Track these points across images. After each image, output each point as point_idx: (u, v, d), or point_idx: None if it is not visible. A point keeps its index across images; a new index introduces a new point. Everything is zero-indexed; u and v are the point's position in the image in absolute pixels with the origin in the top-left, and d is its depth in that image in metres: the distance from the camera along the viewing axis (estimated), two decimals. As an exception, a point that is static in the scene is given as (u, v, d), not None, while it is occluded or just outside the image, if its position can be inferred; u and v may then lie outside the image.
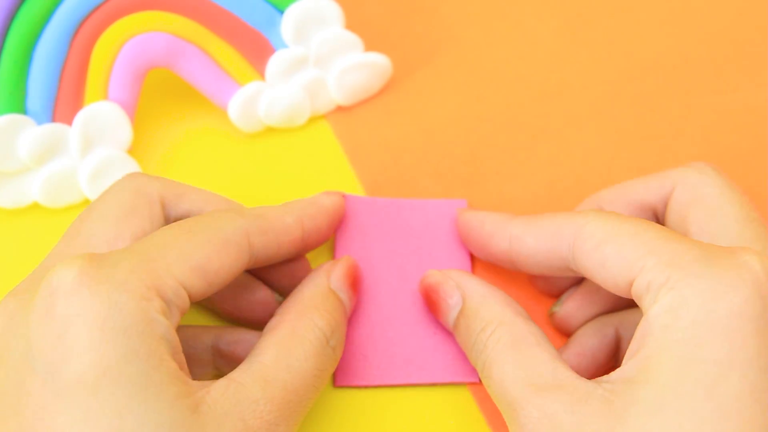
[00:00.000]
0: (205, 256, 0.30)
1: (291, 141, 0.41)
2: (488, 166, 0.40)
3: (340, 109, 0.42)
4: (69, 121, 0.38)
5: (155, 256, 0.29)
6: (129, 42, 0.39)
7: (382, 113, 0.42)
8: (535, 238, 0.32)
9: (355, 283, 0.35)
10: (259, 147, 0.41)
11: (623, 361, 0.28)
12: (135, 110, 0.40)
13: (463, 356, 0.35)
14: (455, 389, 0.35)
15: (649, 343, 0.27)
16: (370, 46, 0.41)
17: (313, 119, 0.42)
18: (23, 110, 0.38)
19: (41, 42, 0.38)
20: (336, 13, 0.40)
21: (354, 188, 0.40)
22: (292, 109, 0.40)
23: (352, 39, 0.40)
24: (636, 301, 0.29)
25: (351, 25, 0.40)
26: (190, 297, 0.29)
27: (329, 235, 0.36)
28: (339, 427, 0.34)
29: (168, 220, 0.33)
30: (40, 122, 0.38)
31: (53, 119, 0.38)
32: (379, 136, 0.41)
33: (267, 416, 0.28)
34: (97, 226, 0.31)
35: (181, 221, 0.31)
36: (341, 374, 0.35)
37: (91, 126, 0.39)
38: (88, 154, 0.39)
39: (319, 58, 0.40)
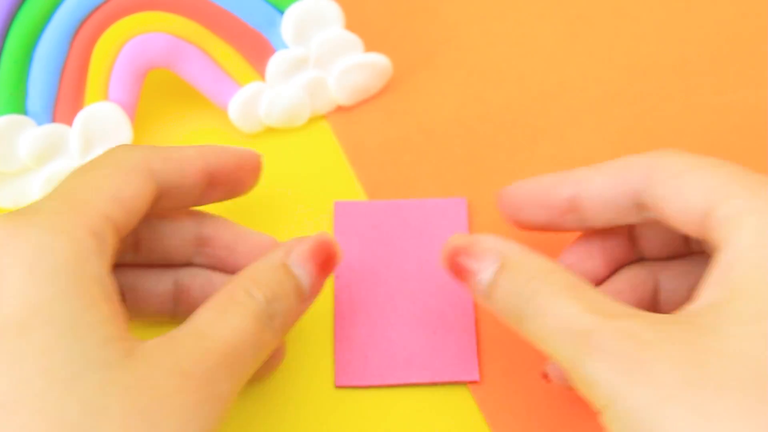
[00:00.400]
0: (116, 186, 0.30)
1: (291, 141, 0.41)
2: (488, 166, 0.40)
3: (340, 110, 0.42)
4: (69, 121, 0.39)
5: (76, 194, 0.29)
6: (129, 42, 0.39)
7: (382, 113, 0.42)
8: (604, 175, 0.31)
9: (323, 261, 0.32)
10: (259, 147, 0.41)
11: (698, 294, 0.27)
12: (135, 111, 0.40)
13: (463, 355, 0.35)
14: (455, 389, 0.35)
15: (737, 267, 0.26)
16: (370, 46, 0.41)
17: (313, 119, 0.42)
18: (23, 111, 0.38)
19: (41, 42, 0.38)
20: (336, 13, 0.40)
21: (354, 188, 0.40)
22: (292, 110, 0.41)
23: (352, 39, 0.40)
24: (711, 232, 0.28)
25: (351, 25, 0.40)
26: (116, 230, 0.29)
27: (245, 180, 0.35)
28: (339, 427, 0.34)
29: (157, 185, 0.32)
30: (40, 123, 0.38)
31: (53, 120, 0.38)
32: (379, 137, 0.41)
33: (205, 364, 0.28)
34: (72, 182, 0.31)
35: (88, 160, 0.32)
36: (342, 375, 0.35)
37: (91, 126, 0.39)
38: (88, 154, 0.39)
39: (319, 59, 0.40)
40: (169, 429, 0.26)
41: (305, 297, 0.32)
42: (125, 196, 0.30)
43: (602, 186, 0.31)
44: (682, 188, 0.29)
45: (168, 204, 0.32)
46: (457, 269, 0.31)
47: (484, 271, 0.30)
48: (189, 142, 0.41)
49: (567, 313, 0.28)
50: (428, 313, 0.36)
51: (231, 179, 0.34)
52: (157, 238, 0.34)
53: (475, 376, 0.34)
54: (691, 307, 0.27)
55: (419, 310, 0.36)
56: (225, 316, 0.29)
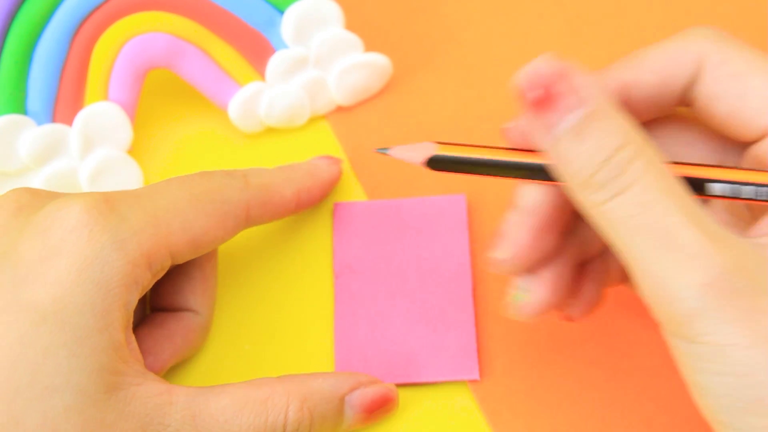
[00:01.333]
0: (203, 229, 0.30)
1: (291, 141, 0.41)
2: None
3: (340, 110, 0.42)
4: (69, 121, 0.39)
5: (161, 220, 0.30)
6: (129, 42, 0.39)
7: (383, 113, 0.42)
8: (651, 73, 0.28)
9: (375, 411, 0.33)
10: (259, 147, 0.41)
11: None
12: (135, 111, 0.40)
13: (463, 354, 0.35)
14: (455, 388, 0.35)
15: None
16: (370, 46, 0.41)
17: (313, 119, 0.42)
18: (23, 111, 0.38)
19: (41, 42, 0.38)
20: (336, 13, 0.40)
21: (354, 188, 0.40)
22: (292, 110, 0.41)
23: (352, 39, 0.40)
24: None
25: (351, 25, 0.40)
26: (173, 262, 0.30)
27: (321, 200, 0.38)
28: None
29: (248, 224, 0.34)
30: (40, 123, 0.38)
31: (53, 120, 0.38)
32: (379, 136, 0.41)
33: None
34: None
35: (188, 181, 0.31)
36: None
37: (91, 126, 0.39)
38: (88, 154, 0.39)
39: (319, 59, 0.40)
40: None
41: (338, 431, 0.32)
42: (205, 240, 0.31)
43: (650, 85, 0.28)
44: (745, 93, 0.26)
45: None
46: (543, 102, 0.26)
47: (568, 115, 0.25)
48: (189, 142, 0.41)
49: (672, 221, 0.24)
50: (428, 311, 0.36)
51: (312, 205, 0.37)
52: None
53: (475, 375, 0.34)
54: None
55: (419, 308, 0.36)
56: (236, 418, 0.29)
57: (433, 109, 0.42)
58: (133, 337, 0.29)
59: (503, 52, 0.44)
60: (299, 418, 0.30)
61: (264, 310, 0.37)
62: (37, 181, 0.39)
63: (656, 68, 0.28)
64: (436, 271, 0.36)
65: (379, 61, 0.41)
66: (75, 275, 0.27)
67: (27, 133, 0.38)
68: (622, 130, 0.25)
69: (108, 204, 0.29)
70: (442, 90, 0.42)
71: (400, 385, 0.35)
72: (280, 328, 0.36)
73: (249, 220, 0.33)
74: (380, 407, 0.33)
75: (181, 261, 0.31)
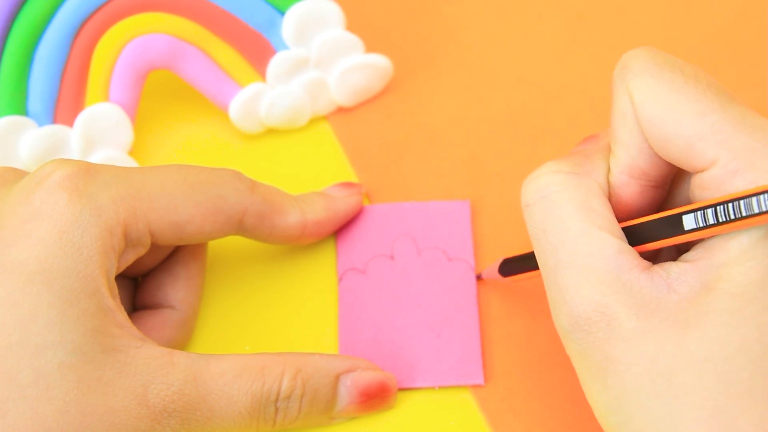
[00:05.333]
0: (189, 216, 0.30)
1: (292, 142, 0.41)
2: (489, 167, 0.40)
3: (340, 110, 0.42)
4: (70, 122, 0.39)
5: (144, 194, 0.30)
6: (130, 43, 0.39)
7: (383, 114, 0.42)
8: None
9: (371, 398, 0.33)
10: (260, 148, 0.41)
11: (691, 254, 0.26)
12: (136, 112, 0.40)
13: (468, 359, 0.35)
14: (456, 391, 0.35)
15: (729, 249, 0.25)
16: (370, 47, 0.41)
17: (313, 120, 0.42)
18: (24, 112, 0.38)
19: (42, 44, 0.38)
20: (337, 14, 0.40)
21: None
22: (293, 111, 0.40)
23: (353, 40, 0.40)
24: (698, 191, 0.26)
25: (352, 26, 0.40)
26: (155, 243, 0.30)
27: (332, 233, 0.37)
28: (340, 427, 0.34)
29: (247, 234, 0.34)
30: (41, 124, 0.38)
31: (54, 121, 0.38)
32: (380, 137, 0.41)
33: (170, 405, 0.28)
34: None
35: (187, 169, 0.32)
36: None
37: (92, 127, 0.39)
38: (89, 155, 0.39)
39: (319, 60, 0.40)
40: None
41: (330, 416, 0.32)
42: (190, 230, 0.31)
43: (647, 157, 0.29)
44: (678, 130, 0.27)
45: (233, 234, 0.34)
46: None
47: None
48: (190, 143, 0.41)
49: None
50: (432, 316, 0.36)
51: (324, 235, 0.36)
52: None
53: (480, 380, 0.35)
54: (686, 280, 0.26)
55: (423, 313, 0.36)
56: (234, 379, 0.29)
57: (434, 109, 0.42)
58: (123, 309, 0.29)
59: (503, 53, 0.44)
60: (292, 386, 0.30)
61: (267, 313, 0.37)
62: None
63: (629, 142, 0.29)
64: (441, 276, 0.36)
65: (380, 61, 0.41)
66: (56, 237, 0.28)
67: (28, 135, 0.38)
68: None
69: (90, 172, 0.29)
70: (443, 91, 0.42)
71: (402, 389, 0.35)
72: (283, 330, 0.36)
73: (242, 226, 0.33)
74: (376, 395, 0.33)
75: (162, 243, 0.31)
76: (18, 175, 0.31)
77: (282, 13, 0.39)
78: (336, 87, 0.41)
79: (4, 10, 0.37)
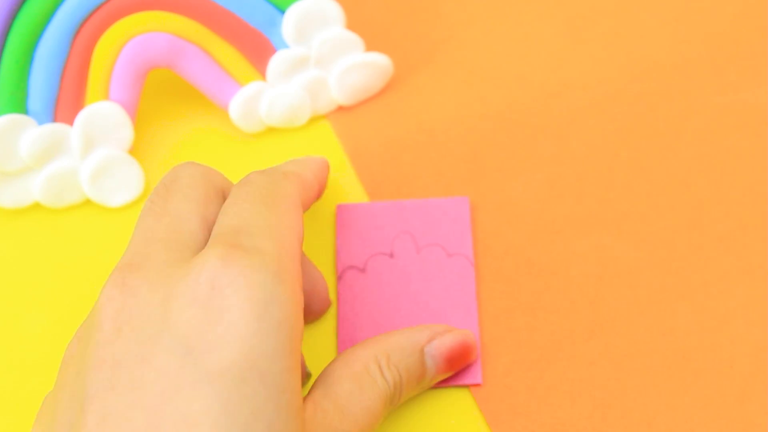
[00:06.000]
0: (299, 226, 0.30)
1: (292, 141, 0.41)
2: (489, 165, 0.40)
3: (341, 109, 0.42)
4: (70, 121, 0.39)
5: (282, 237, 0.28)
6: (130, 42, 0.39)
7: (384, 113, 0.42)
8: None
9: (456, 360, 0.34)
10: (260, 147, 0.41)
11: None
12: (136, 110, 0.40)
13: None
14: (455, 390, 0.35)
15: None
16: (371, 45, 0.41)
17: (314, 119, 0.42)
18: (24, 110, 0.38)
19: (42, 42, 0.38)
20: (337, 12, 0.40)
21: (355, 188, 0.40)
22: (293, 109, 0.41)
23: (353, 39, 0.40)
24: None
25: (352, 24, 0.40)
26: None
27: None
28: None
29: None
30: (41, 122, 0.38)
31: (54, 119, 0.38)
32: (381, 136, 0.41)
33: None
34: (184, 206, 0.30)
35: (257, 193, 0.30)
36: None
37: (92, 126, 0.39)
38: (89, 154, 0.39)
39: (320, 58, 0.40)
40: None
41: (423, 385, 0.33)
42: (301, 236, 0.30)
43: None
44: None
45: None
46: None
47: None
48: (190, 141, 0.41)
49: None
50: (431, 315, 0.36)
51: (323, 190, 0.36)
52: None
53: (478, 379, 0.34)
54: None
55: (423, 311, 0.36)
56: (362, 393, 0.30)
57: (434, 108, 0.42)
58: None
59: (503, 52, 0.44)
60: (392, 375, 0.31)
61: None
62: (38, 181, 0.39)
63: None
64: (440, 273, 0.36)
65: (380, 60, 0.41)
66: (255, 326, 0.25)
67: (28, 133, 0.38)
68: None
69: (237, 247, 0.27)
70: (443, 89, 0.42)
71: None
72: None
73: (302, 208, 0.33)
74: (460, 355, 0.33)
75: None
76: (139, 258, 0.28)
77: (282, 11, 0.39)
78: (336, 86, 0.41)
79: (4, 9, 0.37)
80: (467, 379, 0.34)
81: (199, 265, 0.27)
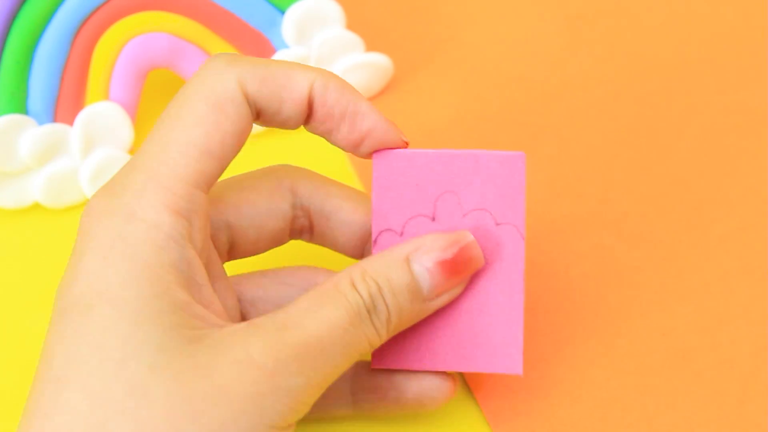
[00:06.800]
0: (206, 134, 0.28)
1: (292, 141, 0.41)
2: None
3: (340, 109, 0.42)
4: (70, 121, 0.39)
5: (163, 160, 0.28)
6: (130, 42, 0.39)
7: (384, 113, 0.41)
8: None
9: (453, 263, 0.30)
10: (260, 147, 0.41)
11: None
12: (136, 110, 0.40)
13: (507, 345, 0.32)
14: (457, 390, 0.35)
15: None
16: (371, 46, 0.41)
17: (314, 119, 0.42)
18: (24, 110, 0.38)
19: (42, 42, 0.38)
20: (337, 13, 0.40)
21: (355, 187, 0.40)
22: (293, 109, 0.41)
23: (353, 39, 0.40)
24: None
25: (352, 25, 0.40)
26: (207, 184, 0.28)
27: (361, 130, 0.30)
28: (339, 426, 0.34)
29: (256, 105, 0.29)
30: (41, 122, 0.38)
31: (54, 119, 0.38)
32: (380, 136, 0.41)
33: (276, 356, 0.26)
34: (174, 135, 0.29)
35: (180, 93, 0.29)
36: (378, 356, 0.32)
37: (92, 126, 0.39)
38: (89, 154, 0.39)
39: (320, 58, 0.40)
40: (218, 417, 0.26)
41: (423, 298, 0.30)
42: (216, 144, 0.28)
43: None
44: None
45: (266, 125, 0.30)
46: None
47: None
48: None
49: None
50: (474, 294, 0.32)
51: (336, 124, 0.30)
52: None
53: (518, 369, 0.31)
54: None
55: (465, 289, 0.32)
56: (318, 307, 0.28)
57: (434, 109, 0.42)
58: (206, 291, 0.28)
59: (503, 52, 0.44)
60: (366, 287, 0.29)
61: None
62: (38, 180, 0.39)
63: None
64: (487, 244, 0.32)
65: (380, 61, 0.41)
66: (102, 262, 0.27)
67: (28, 133, 0.38)
68: None
69: (106, 191, 0.28)
70: (443, 90, 0.42)
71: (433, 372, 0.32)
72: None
73: (251, 100, 0.29)
74: (458, 256, 0.30)
75: (214, 176, 0.29)
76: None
77: (282, 11, 0.39)
78: (336, 86, 0.41)
79: (4, 9, 0.37)
80: (507, 367, 0.31)
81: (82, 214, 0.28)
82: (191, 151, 0.28)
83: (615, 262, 0.37)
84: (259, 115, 0.30)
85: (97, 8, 0.38)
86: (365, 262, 0.29)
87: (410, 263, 0.29)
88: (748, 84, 0.42)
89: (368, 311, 0.28)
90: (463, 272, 0.30)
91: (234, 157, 0.29)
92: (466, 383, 0.35)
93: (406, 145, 0.31)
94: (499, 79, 0.43)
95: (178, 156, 0.28)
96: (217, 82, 0.28)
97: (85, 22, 0.38)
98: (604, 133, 0.41)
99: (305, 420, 0.30)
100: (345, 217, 0.33)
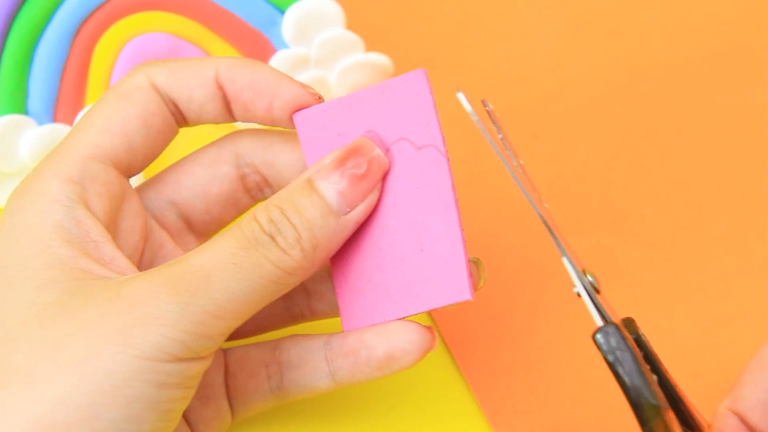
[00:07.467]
0: (106, 116, 0.30)
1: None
2: (489, 165, 0.40)
3: (340, 109, 0.42)
4: (70, 121, 0.39)
5: (60, 144, 0.30)
6: (130, 42, 0.39)
7: (383, 113, 0.42)
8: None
9: (356, 170, 0.29)
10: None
11: None
12: (136, 110, 0.40)
13: (453, 271, 0.30)
14: (455, 387, 0.35)
15: None
16: (371, 46, 0.41)
17: (313, 119, 0.42)
18: (24, 111, 0.38)
19: (42, 42, 0.38)
20: (337, 13, 0.40)
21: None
22: (293, 110, 0.41)
23: (353, 39, 0.40)
24: None
25: (352, 25, 0.40)
26: (108, 156, 0.30)
27: (267, 103, 0.31)
28: (340, 425, 0.34)
29: (166, 100, 0.31)
30: (41, 122, 0.38)
31: (54, 119, 0.38)
32: (380, 136, 0.41)
33: (147, 285, 0.26)
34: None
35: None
36: (346, 319, 0.31)
37: (92, 126, 0.39)
38: (89, 154, 0.39)
39: (320, 59, 0.40)
40: (77, 350, 0.26)
41: (337, 212, 0.29)
42: (116, 123, 0.30)
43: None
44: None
45: (194, 119, 0.32)
46: None
47: None
48: (189, 141, 0.41)
49: None
50: (411, 227, 0.30)
51: (248, 96, 0.31)
52: None
53: (467, 294, 0.29)
54: None
55: (404, 225, 0.31)
56: (209, 243, 0.28)
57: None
58: (105, 248, 0.28)
59: (503, 52, 0.44)
60: (266, 210, 0.28)
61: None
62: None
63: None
64: (413, 173, 0.31)
65: (380, 61, 0.41)
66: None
67: (28, 133, 0.38)
68: None
69: (23, 181, 0.30)
70: (443, 90, 0.42)
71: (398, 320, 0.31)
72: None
73: (162, 90, 0.30)
74: (355, 160, 0.29)
75: (127, 151, 0.30)
76: None
77: (282, 11, 0.39)
78: (336, 86, 0.41)
79: (4, 9, 0.37)
80: (455, 296, 0.30)
81: None
82: (90, 130, 0.30)
83: (615, 262, 0.37)
84: (176, 106, 0.31)
85: (97, 8, 0.38)
86: (272, 196, 0.29)
87: (313, 182, 0.29)
88: (747, 84, 0.42)
89: (270, 235, 0.28)
90: (369, 175, 0.30)
91: (145, 136, 0.30)
92: (467, 383, 0.35)
93: (321, 100, 0.31)
94: (498, 78, 0.43)
95: (76, 134, 0.30)
96: (127, 78, 0.30)
97: (85, 22, 0.38)
98: (604, 133, 0.41)
99: (290, 400, 0.31)
100: (287, 158, 0.32)
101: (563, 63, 0.43)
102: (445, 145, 0.31)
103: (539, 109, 0.42)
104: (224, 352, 0.32)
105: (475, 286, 0.30)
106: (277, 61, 0.40)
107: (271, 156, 0.32)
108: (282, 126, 0.31)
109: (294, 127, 0.31)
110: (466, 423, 0.34)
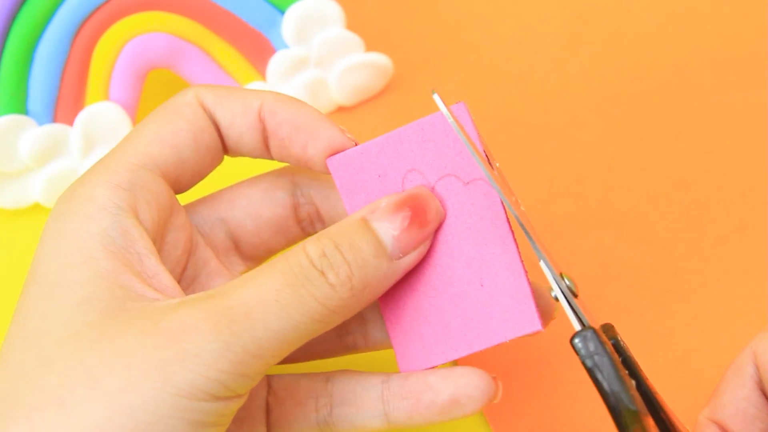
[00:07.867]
0: (157, 129, 0.29)
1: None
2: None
3: (341, 110, 0.42)
4: (70, 121, 0.39)
5: (110, 152, 0.30)
6: (130, 42, 0.39)
7: (384, 113, 0.42)
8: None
9: (414, 215, 0.29)
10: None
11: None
12: (136, 110, 0.40)
13: (519, 302, 0.30)
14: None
15: None
16: (371, 46, 0.41)
17: (313, 119, 0.42)
18: (24, 111, 0.38)
19: (42, 42, 0.38)
20: (337, 13, 0.40)
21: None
22: (293, 110, 0.41)
23: (353, 39, 0.40)
24: None
25: (352, 25, 0.40)
26: (158, 166, 0.29)
27: (302, 145, 0.31)
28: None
29: (213, 117, 0.31)
30: (41, 123, 0.38)
31: (54, 120, 0.38)
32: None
33: (188, 319, 0.26)
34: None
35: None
36: (403, 360, 0.31)
37: (92, 126, 0.39)
38: (89, 154, 0.39)
39: (320, 59, 0.40)
40: (115, 381, 0.25)
41: (389, 255, 0.28)
42: (167, 135, 0.29)
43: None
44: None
45: (232, 147, 0.31)
46: None
47: None
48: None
49: None
50: (469, 263, 0.30)
51: (285, 132, 0.31)
52: None
53: (537, 325, 0.29)
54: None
55: (459, 262, 0.30)
56: (254, 275, 0.27)
57: (434, 108, 0.42)
58: (149, 261, 0.28)
59: (503, 52, 0.44)
60: (319, 245, 0.27)
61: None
62: (38, 181, 0.39)
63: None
64: (463, 208, 0.30)
65: (380, 61, 0.41)
66: (42, 256, 0.28)
67: (28, 133, 0.38)
68: None
69: (65, 195, 0.29)
70: (443, 90, 0.42)
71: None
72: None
73: (208, 110, 0.30)
74: (414, 208, 0.29)
75: (175, 162, 0.30)
76: None
77: (282, 12, 0.39)
78: (336, 86, 0.41)
79: (5, 9, 0.37)
80: (525, 327, 0.29)
81: None
82: (140, 139, 0.29)
83: (615, 262, 0.37)
84: (217, 128, 0.31)
85: (97, 8, 0.38)
86: (323, 230, 0.28)
87: (369, 222, 0.28)
88: (747, 84, 0.42)
89: (321, 270, 0.27)
90: (425, 224, 0.29)
91: (194, 151, 0.30)
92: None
93: (355, 143, 0.31)
94: (499, 78, 0.43)
95: (125, 143, 0.29)
96: (176, 96, 0.30)
97: (85, 22, 0.38)
98: (604, 133, 0.41)
99: None
100: None
101: (563, 63, 0.43)
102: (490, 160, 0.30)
103: (539, 109, 0.42)
104: (269, 377, 0.31)
105: (548, 317, 0.30)
106: (277, 61, 0.40)
107: (327, 189, 0.32)
108: (315, 168, 0.31)
109: (328, 172, 0.31)
110: (466, 423, 0.34)
